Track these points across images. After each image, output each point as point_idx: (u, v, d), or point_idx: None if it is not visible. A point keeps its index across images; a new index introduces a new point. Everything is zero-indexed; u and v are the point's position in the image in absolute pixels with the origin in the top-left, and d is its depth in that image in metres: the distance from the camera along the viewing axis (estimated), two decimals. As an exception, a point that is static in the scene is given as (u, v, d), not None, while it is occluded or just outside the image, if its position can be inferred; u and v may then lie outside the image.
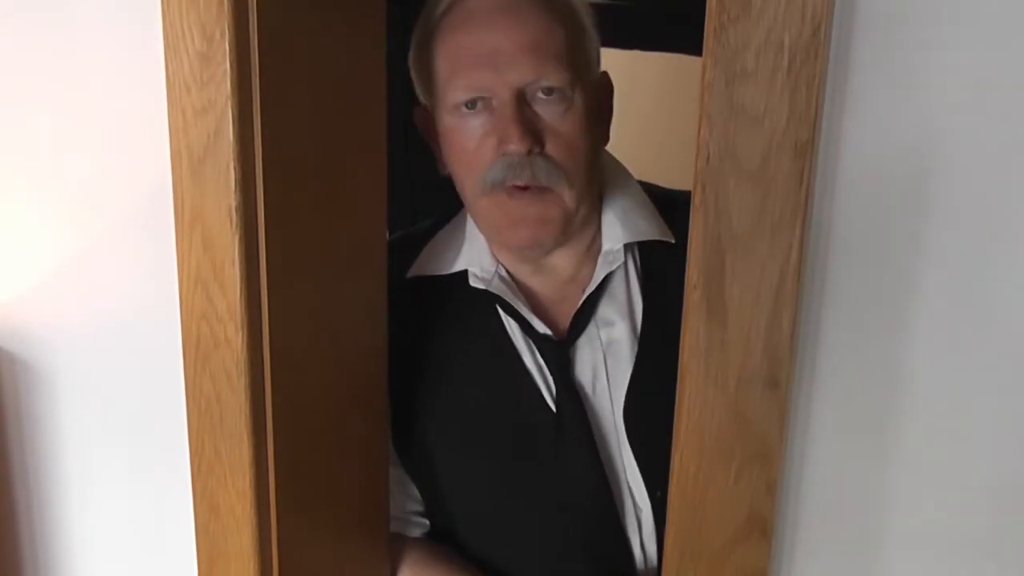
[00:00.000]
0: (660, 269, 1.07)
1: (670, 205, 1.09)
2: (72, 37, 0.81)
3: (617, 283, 1.07)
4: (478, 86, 0.97)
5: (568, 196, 1.00)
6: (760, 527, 0.70)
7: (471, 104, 0.98)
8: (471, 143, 1.00)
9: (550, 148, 0.98)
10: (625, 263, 1.07)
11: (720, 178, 0.65)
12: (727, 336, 0.67)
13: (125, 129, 0.82)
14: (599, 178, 1.07)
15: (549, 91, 0.97)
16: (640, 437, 1.04)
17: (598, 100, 1.05)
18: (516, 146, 0.96)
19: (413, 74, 1.06)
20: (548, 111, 0.98)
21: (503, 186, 0.98)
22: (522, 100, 0.97)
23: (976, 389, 0.68)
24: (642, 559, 1.07)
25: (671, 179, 1.15)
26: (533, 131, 0.97)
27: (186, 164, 0.76)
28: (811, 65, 0.62)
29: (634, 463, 1.05)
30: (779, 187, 0.64)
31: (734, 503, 0.70)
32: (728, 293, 0.67)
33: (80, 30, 0.80)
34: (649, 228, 1.07)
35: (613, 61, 1.12)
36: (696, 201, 0.66)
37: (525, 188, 0.98)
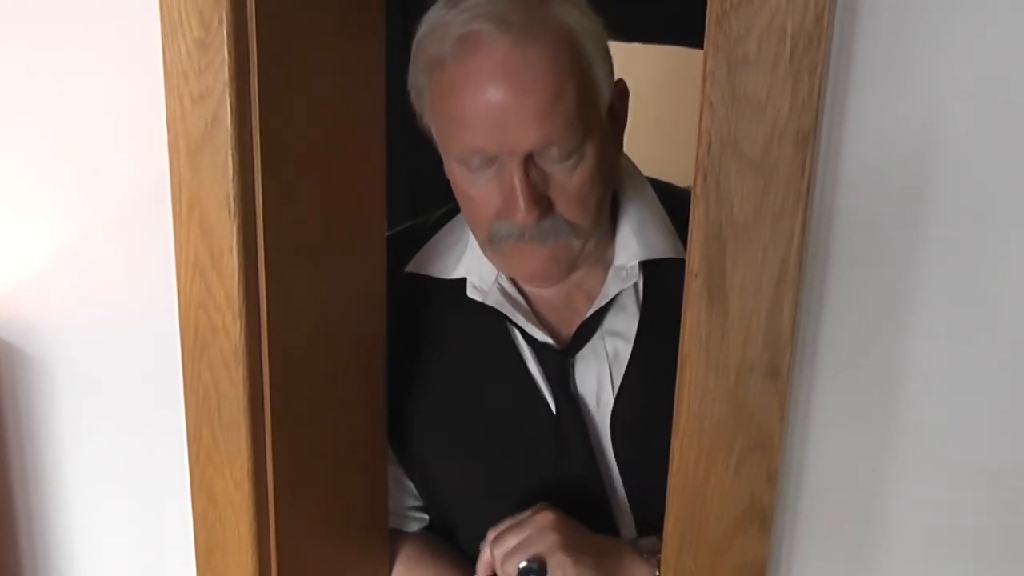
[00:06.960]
0: (667, 278, 1.02)
1: (682, 205, 1.06)
2: (69, 23, 0.80)
3: (627, 295, 1.04)
4: (482, 149, 0.91)
5: (577, 244, 0.97)
6: (760, 517, 0.70)
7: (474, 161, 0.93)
8: (476, 193, 0.95)
9: (561, 208, 0.93)
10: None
11: (721, 166, 0.65)
12: (728, 325, 0.67)
13: (123, 117, 0.81)
14: (614, 183, 1.03)
15: (559, 153, 0.91)
16: (627, 454, 1.02)
17: (616, 116, 1.00)
18: (524, 218, 0.91)
19: (410, 84, 0.99)
20: (558, 169, 0.92)
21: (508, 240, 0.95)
22: (530, 162, 0.91)
23: (977, 379, 0.68)
24: None
25: (663, 173, 1.14)
26: (541, 195, 0.92)
27: (184, 152, 0.76)
28: (814, 52, 0.62)
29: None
30: (781, 175, 0.64)
31: (734, 493, 0.70)
32: (729, 282, 0.66)
33: (77, 16, 0.80)
34: (665, 244, 1.03)
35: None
36: (697, 189, 0.66)
37: None
